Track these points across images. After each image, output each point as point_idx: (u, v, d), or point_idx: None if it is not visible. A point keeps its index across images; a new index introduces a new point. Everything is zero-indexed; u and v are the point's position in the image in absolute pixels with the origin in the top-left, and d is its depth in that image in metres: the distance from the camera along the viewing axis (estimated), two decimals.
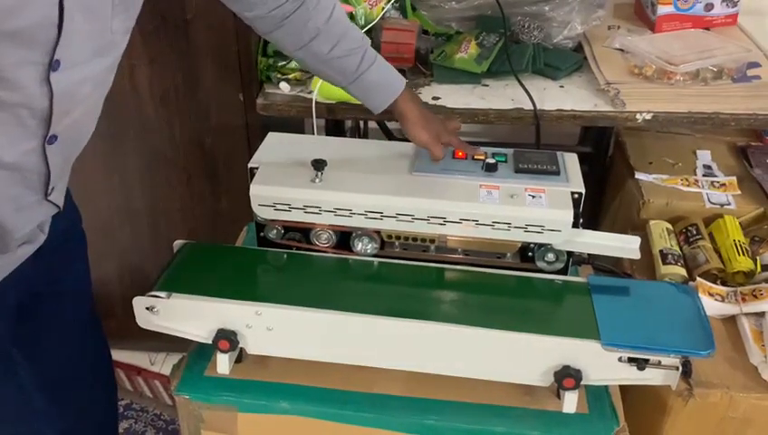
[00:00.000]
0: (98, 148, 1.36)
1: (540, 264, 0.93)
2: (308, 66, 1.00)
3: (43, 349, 1.01)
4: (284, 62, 1.25)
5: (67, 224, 0.97)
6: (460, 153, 0.99)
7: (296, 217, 0.93)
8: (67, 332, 1.04)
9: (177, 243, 0.96)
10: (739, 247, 1.09)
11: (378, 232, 0.94)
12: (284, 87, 1.24)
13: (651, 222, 1.18)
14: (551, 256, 0.93)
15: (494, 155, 0.98)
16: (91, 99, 0.78)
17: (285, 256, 0.95)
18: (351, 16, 1.28)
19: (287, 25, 0.94)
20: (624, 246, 0.92)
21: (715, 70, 1.20)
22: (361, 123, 1.70)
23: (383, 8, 1.28)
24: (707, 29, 1.37)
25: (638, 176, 1.27)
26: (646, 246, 1.11)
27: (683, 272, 1.08)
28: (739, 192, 1.23)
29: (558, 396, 0.84)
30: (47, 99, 0.70)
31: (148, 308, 0.84)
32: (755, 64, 1.24)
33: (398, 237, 0.94)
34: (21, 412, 0.99)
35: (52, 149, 0.75)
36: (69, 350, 1.06)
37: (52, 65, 0.67)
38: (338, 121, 1.44)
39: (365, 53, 0.97)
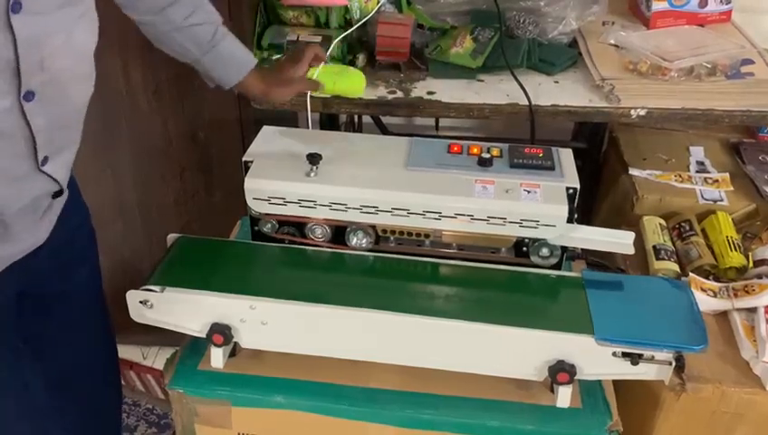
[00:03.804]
0: (90, 142, 1.34)
1: (534, 259, 0.94)
2: (160, 35, 0.99)
3: (51, 347, 1.00)
4: (279, 56, 1.25)
5: (76, 221, 0.96)
6: (455, 148, 0.99)
7: (291, 211, 0.93)
8: (76, 331, 1.03)
9: (171, 236, 0.95)
10: (731, 243, 1.09)
11: (373, 226, 0.93)
12: None
13: (645, 218, 1.18)
14: (545, 251, 0.93)
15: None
16: (67, 56, 0.74)
17: (280, 250, 0.95)
18: (346, 10, 1.28)
19: None
20: (618, 241, 0.92)
21: (708, 66, 1.20)
22: (356, 117, 1.70)
23: (378, 2, 1.28)
24: (701, 26, 1.37)
25: (632, 171, 1.28)
26: (639, 242, 1.11)
27: (676, 267, 1.08)
28: (732, 188, 1.24)
29: (552, 390, 0.85)
30: (11, 45, 0.67)
31: (141, 302, 0.84)
32: (749, 61, 1.24)
33: (393, 232, 0.94)
34: (25, 410, 0.98)
35: (32, 109, 0.72)
36: (78, 349, 1.05)
37: (12, 7, 0.65)
38: (332, 115, 1.43)
39: (218, 26, 0.99)
